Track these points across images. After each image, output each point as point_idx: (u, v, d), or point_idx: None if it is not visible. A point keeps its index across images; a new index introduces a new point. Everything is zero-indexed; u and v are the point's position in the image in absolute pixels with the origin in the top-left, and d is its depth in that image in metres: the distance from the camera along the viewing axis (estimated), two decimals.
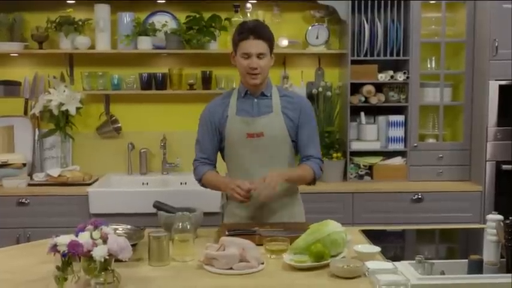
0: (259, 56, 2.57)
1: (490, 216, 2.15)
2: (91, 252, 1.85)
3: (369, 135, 4.07)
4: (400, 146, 4.05)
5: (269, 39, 2.61)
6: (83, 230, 1.94)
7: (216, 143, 2.72)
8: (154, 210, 2.58)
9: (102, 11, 4.02)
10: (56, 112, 3.98)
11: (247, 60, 2.58)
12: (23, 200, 3.71)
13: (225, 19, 4.05)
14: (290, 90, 4.01)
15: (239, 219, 2.70)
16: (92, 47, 4.06)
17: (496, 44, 3.74)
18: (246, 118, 2.65)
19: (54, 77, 4.13)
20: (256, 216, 2.68)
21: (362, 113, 4.09)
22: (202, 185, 2.76)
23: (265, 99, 2.68)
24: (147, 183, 4.13)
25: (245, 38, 2.56)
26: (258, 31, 2.58)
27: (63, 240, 1.87)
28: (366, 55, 3.98)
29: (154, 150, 4.24)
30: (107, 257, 1.86)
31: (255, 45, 2.56)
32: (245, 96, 2.69)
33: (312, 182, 2.76)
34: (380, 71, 4.01)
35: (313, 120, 2.76)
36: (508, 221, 2.05)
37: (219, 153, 2.78)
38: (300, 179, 2.72)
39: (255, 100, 2.67)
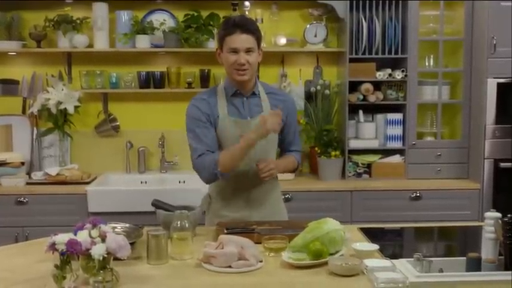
0: (248, 51, 2.50)
1: (488, 214, 2.15)
2: (89, 251, 1.85)
3: (367, 133, 4.07)
4: (398, 144, 4.05)
5: (256, 33, 2.54)
6: (81, 228, 1.94)
7: (215, 133, 2.59)
8: (152, 209, 2.57)
9: (100, 10, 4.01)
10: (54, 111, 3.97)
11: (235, 55, 2.50)
12: (22, 199, 3.71)
13: (223, 17, 4.03)
14: (283, 87, 4.04)
15: (223, 219, 2.66)
16: (90, 45, 4.06)
17: (494, 42, 3.74)
18: (238, 120, 2.60)
19: (53, 76, 4.12)
20: (241, 218, 2.65)
21: (360, 111, 4.09)
22: (219, 171, 2.52)
23: (255, 98, 2.65)
24: (146, 182, 4.13)
25: (231, 33, 2.49)
26: (245, 25, 2.50)
27: (62, 238, 1.87)
28: (364, 53, 3.98)
29: (153, 148, 4.24)
30: (106, 256, 1.86)
31: (242, 40, 2.48)
32: (234, 95, 2.62)
33: (294, 171, 2.98)
34: (378, 69, 4.01)
35: (296, 115, 2.84)
36: (506, 219, 2.05)
37: None
38: (285, 171, 2.84)
39: (245, 99, 2.62)
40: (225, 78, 2.72)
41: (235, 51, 2.50)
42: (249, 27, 2.52)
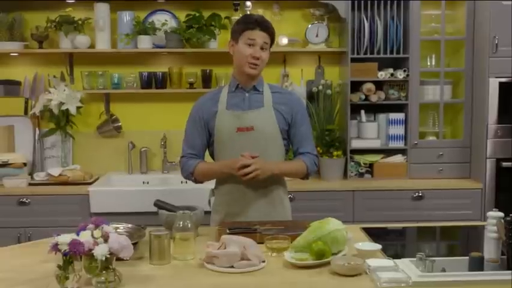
0: (263, 47, 2.59)
1: (490, 213, 2.15)
2: (92, 251, 1.85)
3: (369, 133, 4.07)
4: (400, 144, 4.05)
5: (272, 35, 2.64)
6: (84, 229, 1.95)
7: (205, 138, 2.71)
8: (155, 209, 2.58)
9: (102, 10, 4.02)
10: (56, 111, 3.98)
11: (251, 48, 2.58)
12: (24, 200, 3.71)
13: (225, 18, 4.06)
14: (285, 87, 4.03)
15: (223, 216, 2.68)
16: (92, 46, 4.06)
17: (496, 41, 3.74)
18: (237, 112, 2.64)
19: (54, 77, 4.13)
20: (241, 214, 2.66)
21: (362, 111, 4.09)
22: (194, 179, 2.73)
23: (257, 94, 2.68)
24: (148, 182, 4.13)
25: (252, 28, 2.59)
26: (264, 24, 2.62)
27: (65, 239, 1.87)
28: (365, 53, 3.98)
29: (155, 149, 4.25)
30: (108, 256, 1.86)
31: (261, 36, 2.58)
32: (236, 90, 2.68)
33: (305, 177, 2.75)
34: (380, 68, 4.01)
35: (307, 116, 2.77)
36: (508, 218, 2.06)
37: (206, 151, 2.78)
38: (290, 174, 2.75)
39: (246, 94, 2.66)
40: (230, 75, 2.77)
41: (253, 44, 2.58)
42: (268, 26, 2.64)
